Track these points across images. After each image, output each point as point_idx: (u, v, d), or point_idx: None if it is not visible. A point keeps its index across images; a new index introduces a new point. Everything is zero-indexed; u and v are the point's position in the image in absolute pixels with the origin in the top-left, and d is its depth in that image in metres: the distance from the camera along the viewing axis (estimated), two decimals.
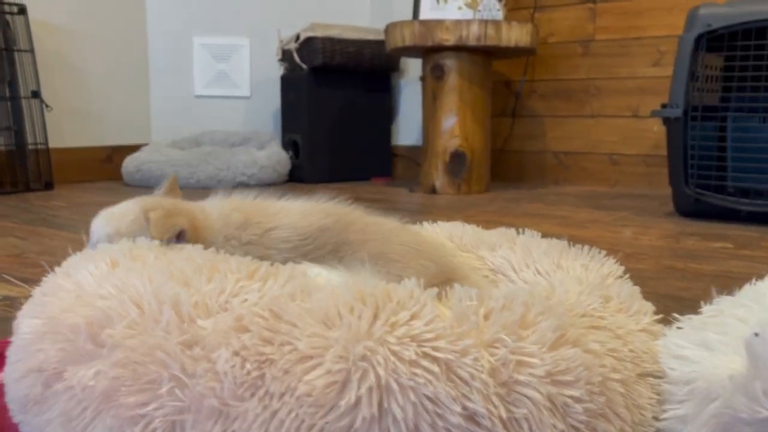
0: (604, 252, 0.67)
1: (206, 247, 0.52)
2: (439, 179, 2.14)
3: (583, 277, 0.55)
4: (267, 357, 0.37)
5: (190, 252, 0.48)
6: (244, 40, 2.76)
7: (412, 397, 0.36)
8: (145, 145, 2.67)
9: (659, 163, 2.22)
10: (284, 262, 0.55)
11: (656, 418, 0.43)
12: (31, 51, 2.25)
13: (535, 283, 0.57)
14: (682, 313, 0.86)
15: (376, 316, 0.39)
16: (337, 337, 0.37)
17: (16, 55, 2.23)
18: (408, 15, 2.51)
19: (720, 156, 1.63)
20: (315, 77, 2.47)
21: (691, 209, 1.62)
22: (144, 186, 2.38)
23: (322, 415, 0.35)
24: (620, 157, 2.30)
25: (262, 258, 0.53)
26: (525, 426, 0.37)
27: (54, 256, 1.21)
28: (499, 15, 2.12)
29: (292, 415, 0.35)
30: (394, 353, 0.37)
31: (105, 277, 0.44)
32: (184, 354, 0.37)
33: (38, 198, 2.07)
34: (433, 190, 2.15)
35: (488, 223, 1.57)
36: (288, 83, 2.58)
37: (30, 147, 2.28)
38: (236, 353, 0.37)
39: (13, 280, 1.01)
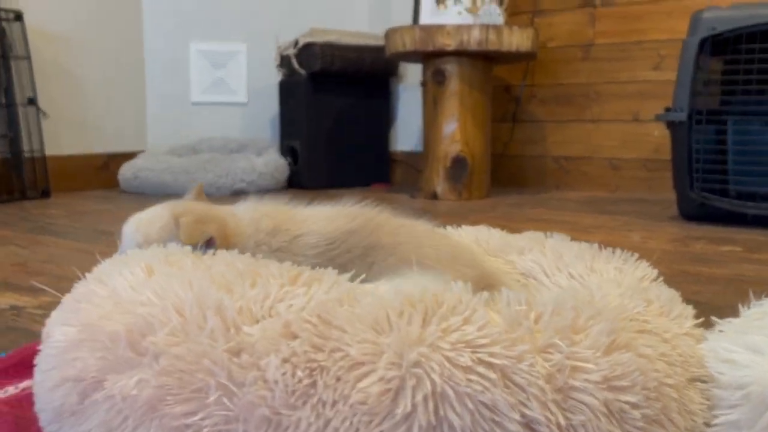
0: (636, 255, 0.66)
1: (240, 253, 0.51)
2: (441, 185, 2.13)
3: (620, 280, 0.55)
4: (318, 364, 0.35)
5: (229, 257, 0.47)
6: (241, 46, 2.74)
7: (470, 404, 0.35)
8: (142, 152, 2.65)
9: (660, 168, 2.22)
10: (313, 268, 0.54)
11: (707, 424, 0.42)
12: (28, 58, 2.23)
13: (572, 288, 0.56)
14: (703, 317, 0.85)
15: (427, 321, 0.38)
16: (389, 343, 0.36)
17: (12, 62, 2.21)
18: (406, 20, 2.51)
19: (723, 159, 1.62)
20: (313, 83, 2.46)
21: (695, 213, 1.62)
22: (141, 193, 2.36)
23: (377, 424, 0.34)
24: (621, 162, 2.30)
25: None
26: None
27: (59, 265, 1.20)
28: (500, 20, 2.11)
29: (347, 423, 0.34)
30: (449, 359, 0.36)
31: (142, 283, 0.43)
32: (231, 362, 0.36)
33: (35, 206, 2.04)
34: (434, 196, 2.14)
35: (492, 230, 1.56)
36: (286, 89, 2.57)
37: (26, 155, 2.26)
38: (286, 360, 0.36)
39: (47, 289, 0.99)
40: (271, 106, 2.77)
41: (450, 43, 2.01)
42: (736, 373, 0.42)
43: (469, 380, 0.35)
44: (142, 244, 0.54)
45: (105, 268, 0.49)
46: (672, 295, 0.53)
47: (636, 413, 0.37)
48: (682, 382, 0.42)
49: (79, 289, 0.47)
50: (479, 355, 0.36)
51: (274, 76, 2.71)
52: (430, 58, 2.12)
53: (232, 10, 2.72)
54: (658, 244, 1.36)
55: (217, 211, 0.59)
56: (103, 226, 1.62)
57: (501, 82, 2.51)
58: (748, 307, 0.52)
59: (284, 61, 2.54)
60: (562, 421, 0.36)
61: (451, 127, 2.10)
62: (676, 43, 2.14)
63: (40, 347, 0.45)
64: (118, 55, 2.62)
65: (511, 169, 2.52)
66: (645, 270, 0.60)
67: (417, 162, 2.65)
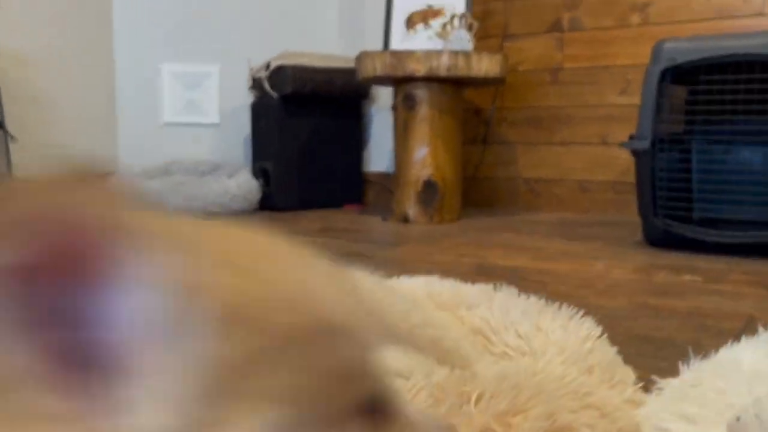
0: (581, 312, 0.67)
1: None
2: (412, 208, 2.14)
3: (564, 342, 0.56)
4: None
5: None
6: (213, 68, 2.74)
7: None
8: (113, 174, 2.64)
9: (628, 190, 2.25)
10: None
11: None
12: None
13: (518, 350, 0.57)
14: (656, 356, 0.87)
15: None
16: None
17: None
18: (377, 43, 2.53)
19: (687, 187, 1.66)
20: (285, 105, 2.47)
21: (660, 239, 1.65)
22: None
23: None
24: (590, 184, 2.34)
25: None
26: None
27: None
28: (469, 45, 2.14)
29: None
30: None
31: None
32: None
33: None
34: (405, 219, 2.15)
35: (463, 256, 1.58)
36: (258, 111, 2.57)
37: None
38: None
39: None
40: (243, 127, 2.77)
41: (420, 69, 2.03)
42: None
43: None
44: None
45: None
46: (613, 358, 0.54)
47: None
48: None
49: None
50: None
51: (246, 98, 2.72)
52: (400, 83, 2.13)
53: (204, 32, 2.72)
54: (623, 274, 1.38)
55: None
56: None
57: (471, 104, 2.54)
58: (687, 366, 0.54)
59: (256, 84, 2.55)
60: None
61: (421, 152, 2.12)
62: (642, 68, 2.17)
63: None
64: (89, 77, 2.61)
65: (483, 191, 2.55)
66: (590, 328, 0.62)
67: (390, 183, 2.67)
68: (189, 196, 2.32)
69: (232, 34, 2.74)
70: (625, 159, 2.25)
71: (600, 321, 0.79)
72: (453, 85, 2.13)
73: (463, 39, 2.13)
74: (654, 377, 0.53)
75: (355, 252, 1.64)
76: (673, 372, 0.73)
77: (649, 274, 1.38)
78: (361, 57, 2.14)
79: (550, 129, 2.40)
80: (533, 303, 0.67)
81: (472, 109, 2.54)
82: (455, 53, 2.02)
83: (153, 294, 0.20)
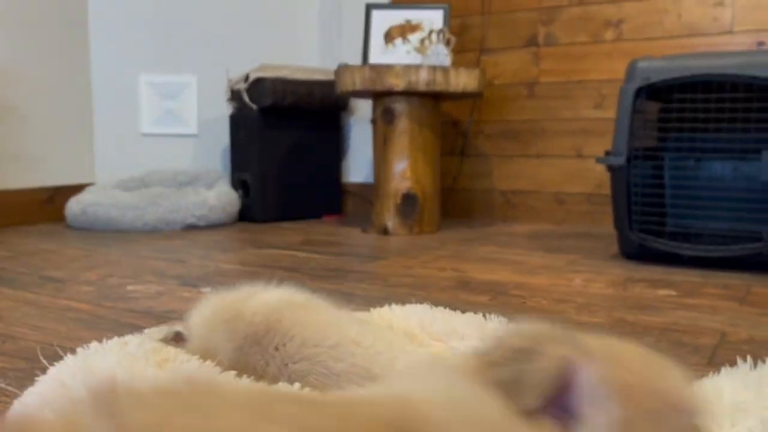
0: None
1: None
2: (392, 220, 2.17)
3: None
4: None
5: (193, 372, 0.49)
6: (191, 78, 2.74)
7: None
8: (90, 185, 2.62)
9: (602, 202, 2.30)
10: None
11: None
12: None
13: None
14: None
15: None
16: None
17: None
18: (355, 55, 2.55)
19: (660, 202, 1.70)
20: (264, 117, 2.48)
21: (635, 253, 1.69)
22: (89, 229, 2.33)
23: None
24: (565, 196, 2.38)
25: None
26: None
27: (7, 323, 1.18)
28: (447, 60, 2.17)
29: None
30: None
31: None
32: None
33: None
34: (385, 231, 2.17)
35: (443, 270, 1.60)
36: (237, 122, 2.58)
37: None
38: None
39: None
40: (221, 138, 2.77)
41: (399, 83, 2.05)
42: None
43: None
44: None
45: (70, 366, 0.50)
46: None
47: None
48: None
49: (43, 387, 0.47)
50: None
51: (225, 108, 2.72)
52: (379, 96, 2.16)
53: (181, 43, 2.72)
54: (600, 289, 1.41)
55: None
56: (50, 272, 1.60)
57: (449, 117, 2.57)
58: None
59: (235, 95, 2.55)
60: None
61: (401, 165, 2.14)
62: (616, 83, 2.23)
63: None
64: (65, 87, 2.59)
65: (460, 202, 2.58)
66: None
67: (368, 193, 2.69)
68: (168, 208, 2.32)
69: (211, 45, 2.74)
70: (599, 172, 2.30)
71: None
72: (431, 99, 2.16)
73: (441, 54, 2.16)
74: None
75: (337, 267, 1.65)
76: None
77: (625, 288, 1.41)
78: (341, 71, 2.16)
79: (526, 142, 2.44)
80: (470, 318, 0.69)
81: (450, 121, 2.57)
82: (433, 68, 2.05)
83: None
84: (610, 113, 2.25)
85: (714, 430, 0.48)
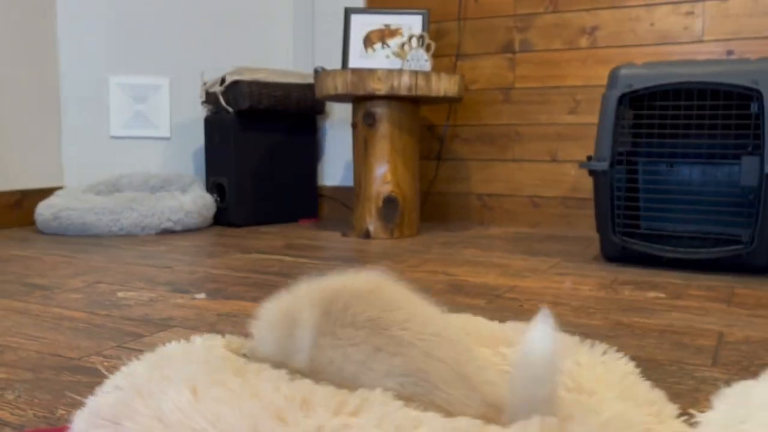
0: (613, 348, 0.71)
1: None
2: (373, 224, 2.17)
3: (607, 378, 0.59)
4: None
5: (274, 377, 0.48)
6: (163, 80, 2.70)
7: None
8: (59, 188, 2.56)
9: (576, 205, 2.35)
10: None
11: None
12: None
13: (561, 386, 0.59)
14: (650, 377, 0.92)
15: None
16: None
17: None
18: (330, 59, 2.56)
19: (635, 205, 1.75)
20: (241, 120, 2.46)
21: (618, 255, 1.74)
22: (62, 234, 2.28)
23: None
24: (541, 200, 2.42)
25: None
26: None
27: (0, 333, 1.15)
28: (427, 65, 2.19)
29: None
30: None
31: (191, 406, 0.44)
32: None
33: None
34: (367, 235, 2.18)
35: (434, 274, 1.62)
36: (212, 125, 2.55)
37: None
38: None
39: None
40: (194, 141, 2.74)
41: (381, 88, 2.06)
42: None
43: None
44: None
45: (140, 375, 0.49)
46: (657, 394, 0.57)
47: None
48: None
49: (110, 397, 0.47)
50: None
51: (198, 111, 2.68)
52: (360, 100, 2.16)
53: (153, 45, 2.68)
54: (591, 291, 1.44)
55: None
56: (34, 279, 1.55)
57: (425, 121, 2.59)
58: (720, 401, 0.58)
59: (210, 98, 2.52)
60: None
61: (382, 168, 2.15)
62: (590, 89, 2.28)
63: None
64: (32, 88, 2.52)
65: (437, 206, 2.60)
66: (626, 363, 0.65)
67: (344, 197, 2.69)
68: (143, 212, 2.28)
69: (183, 47, 2.71)
70: (573, 176, 2.35)
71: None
72: (412, 103, 2.18)
73: (421, 59, 2.17)
74: (692, 411, 0.57)
75: (328, 272, 1.65)
76: (685, 397, 0.79)
77: (615, 291, 1.45)
78: (322, 75, 2.16)
79: (502, 146, 2.47)
80: (568, 340, 0.70)
81: (426, 125, 2.59)
82: (415, 73, 2.07)
83: None
84: (585, 119, 2.30)
85: None
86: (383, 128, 2.14)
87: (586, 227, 2.36)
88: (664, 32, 2.19)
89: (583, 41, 2.31)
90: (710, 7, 2.13)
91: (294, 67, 2.83)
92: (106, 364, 0.96)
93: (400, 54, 2.21)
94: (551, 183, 2.40)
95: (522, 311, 1.27)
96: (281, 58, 2.82)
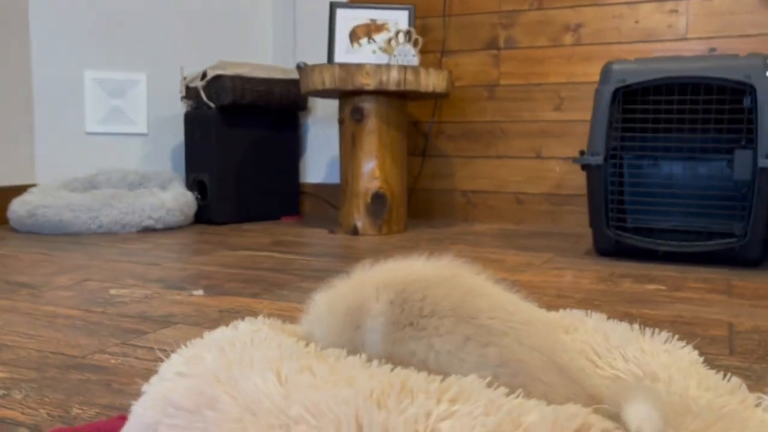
0: (676, 336, 0.69)
1: None
2: (361, 220, 2.15)
3: (677, 365, 0.58)
4: None
5: (360, 366, 0.46)
6: (140, 75, 2.64)
7: None
8: (32, 186, 2.48)
9: (561, 202, 2.36)
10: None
11: None
12: None
13: (630, 374, 0.58)
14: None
15: None
16: None
17: None
18: (311, 54, 2.53)
19: (620, 199, 1.76)
20: (223, 116, 2.41)
21: (611, 249, 1.74)
22: (37, 233, 2.20)
23: None
24: (525, 196, 2.43)
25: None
26: None
27: None
28: (415, 60, 2.18)
29: None
30: None
31: (280, 393, 0.41)
32: None
33: None
34: (355, 231, 2.16)
35: None
36: (193, 121, 2.50)
37: None
38: None
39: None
40: (172, 137, 2.68)
41: (369, 83, 2.04)
42: None
43: None
44: None
45: (212, 361, 0.46)
46: (735, 382, 0.56)
47: None
48: None
49: (178, 384, 0.43)
50: None
51: (177, 107, 2.63)
52: (348, 96, 2.14)
53: (129, 39, 2.61)
54: (591, 284, 1.44)
55: None
56: (16, 277, 1.49)
57: (410, 117, 2.58)
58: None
59: (191, 93, 2.47)
60: None
61: (370, 164, 2.13)
62: (574, 86, 2.30)
63: None
64: (3, 82, 2.44)
65: (422, 202, 2.59)
66: (689, 351, 0.64)
67: (326, 194, 2.66)
68: (123, 210, 2.22)
69: (161, 42, 2.65)
70: (557, 172, 2.36)
71: None
72: (399, 99, 2.16)
73: (408, 54, 2.16)
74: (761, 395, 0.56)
75: (322, 268, 1.62)
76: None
77: (615, 283, 1.45)
78: (309, 69, 2.13)
79: (487, 143, 2.47)
80: (627, 328, 0.68)
81: (412, 121, 2.58)
82: (404, 68, 2.05)
83: None
84: (569, 116, 2.32)
85: None
86: (371, 123, 2.12)
87: (572, 223, 2.37)
88: (648, 30, 2.22)
89: (568, 38, 2.32)
90: (694, 5, 2.15)
91: (273, 63, 2.79)
92: (113, 361, 0.92)
93: (387, 49, 2.19)
94: (535, 180, 2.41)
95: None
96: (260, 52, 2.78)
